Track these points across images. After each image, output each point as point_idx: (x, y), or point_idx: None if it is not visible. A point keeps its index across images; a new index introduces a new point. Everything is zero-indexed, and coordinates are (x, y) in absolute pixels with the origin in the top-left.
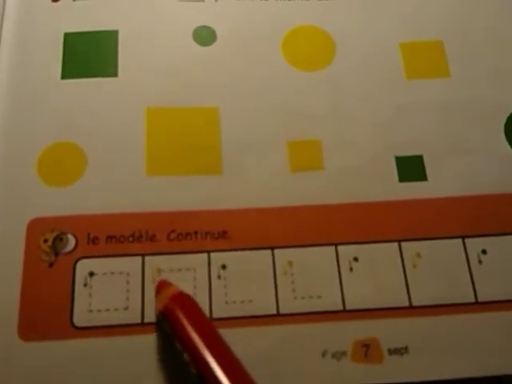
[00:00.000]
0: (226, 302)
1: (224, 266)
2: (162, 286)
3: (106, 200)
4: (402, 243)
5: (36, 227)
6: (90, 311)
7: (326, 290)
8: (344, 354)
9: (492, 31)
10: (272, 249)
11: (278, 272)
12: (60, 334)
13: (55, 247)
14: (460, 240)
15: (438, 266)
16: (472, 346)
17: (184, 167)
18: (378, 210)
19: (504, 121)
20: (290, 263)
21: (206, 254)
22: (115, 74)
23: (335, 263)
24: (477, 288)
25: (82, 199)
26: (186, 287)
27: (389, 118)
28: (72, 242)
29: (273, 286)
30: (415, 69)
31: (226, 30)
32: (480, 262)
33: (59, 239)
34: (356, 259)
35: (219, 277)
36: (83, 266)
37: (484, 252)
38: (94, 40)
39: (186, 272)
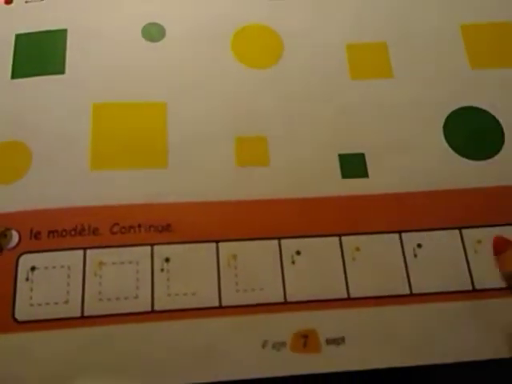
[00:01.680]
0: (169, 295)
1: (167, 259)
2: (502, 245)
3: (49, 195)
4: (343, 237)
5: None
6: (31, 305)
7: (269, 282)
8: (283, 344)
9: (434, 33)
10: (216, 242)
11: (221, 265)
12: (2, 327)
13: (0, 244)
14: (397, 234)
15: (376, 259)
16: (406, 337)
17: (129, 161)
18: (321, 205)
19: (443, 121)
20: (234, 256)
21: (149, 247)
22: (62, 72)
23: (278, 256)
24: (412, 280)
25: (27, 195)
26: (129, 280)
27: (333, 117)
28: (16, 237)
29: (216, 278)
30: (360, 69)
31: (175, 26)
32: (415, 255)
33: (3, 235)
34: (298, 253)
35: (162, 269)
36: (25, 261)
37: (419, 246)
38: (44, 39)
39: (129, 265)
